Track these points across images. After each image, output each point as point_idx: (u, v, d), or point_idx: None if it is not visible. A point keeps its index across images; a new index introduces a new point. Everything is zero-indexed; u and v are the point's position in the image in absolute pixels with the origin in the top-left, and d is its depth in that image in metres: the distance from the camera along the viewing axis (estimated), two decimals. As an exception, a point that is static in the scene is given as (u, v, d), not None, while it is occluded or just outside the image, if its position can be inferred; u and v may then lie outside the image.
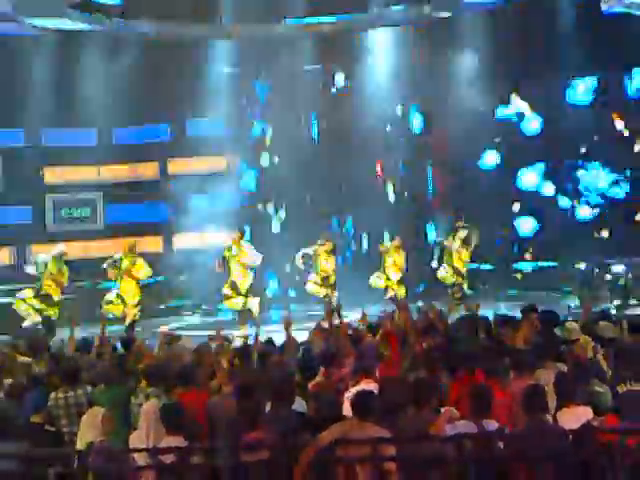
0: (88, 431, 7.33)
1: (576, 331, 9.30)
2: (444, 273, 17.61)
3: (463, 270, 17.48)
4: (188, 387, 7.71)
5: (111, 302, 16.16)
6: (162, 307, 20.40)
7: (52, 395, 8.11)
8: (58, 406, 8.03)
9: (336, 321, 10.62)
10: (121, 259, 16.27)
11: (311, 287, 17.62)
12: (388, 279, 17.49)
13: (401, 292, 17.38)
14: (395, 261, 17.41)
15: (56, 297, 16.24)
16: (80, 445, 7.22)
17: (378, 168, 22.79)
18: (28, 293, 16.24)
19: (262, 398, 7.04)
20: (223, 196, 21.35)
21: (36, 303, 16.06)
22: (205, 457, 6.38)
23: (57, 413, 8.00)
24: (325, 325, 10.91)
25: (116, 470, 6.24)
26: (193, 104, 21.43)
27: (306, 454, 5.99)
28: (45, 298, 16.13)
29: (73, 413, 7.98)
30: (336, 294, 17.27)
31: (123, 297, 16.09)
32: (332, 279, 17.42)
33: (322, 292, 17.38)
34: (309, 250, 17.53)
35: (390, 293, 17.44)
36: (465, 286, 17.48)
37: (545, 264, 20.95)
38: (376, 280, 17.66)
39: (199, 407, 7.42)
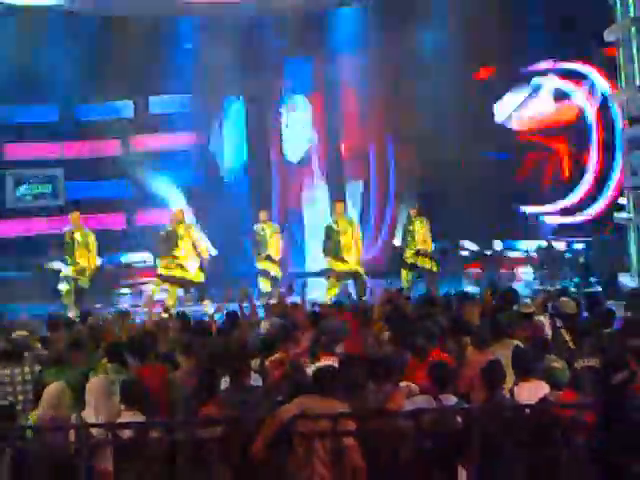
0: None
1: (531, 307, 9.45)
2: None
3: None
4: (145, 362, 7.70)
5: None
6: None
7: None
8: (3, 383, 7.94)
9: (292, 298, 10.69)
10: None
11: (262, 265, 17.06)
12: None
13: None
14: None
15: None
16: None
17: (342, 148, 22.88)
18: None
19: (220, 373, 7.03)
20: (186, 173, 21.27)
21: None
22: (163, 432, 6.37)
23: (5, 390, 7.91)
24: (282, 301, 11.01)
25: (72, 446, 6.20)
26: (156, 81, 21.26)
27: (267, 428, 5.99)
28: None
29: (19, 391, 7.90)
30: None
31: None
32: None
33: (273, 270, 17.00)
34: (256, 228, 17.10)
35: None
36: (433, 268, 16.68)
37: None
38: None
39: (157, 382, 7.40)
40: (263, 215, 17.19)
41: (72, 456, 6.12)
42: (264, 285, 16.72)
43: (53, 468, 6.06)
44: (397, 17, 20.21)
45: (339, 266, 15.89)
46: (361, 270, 15.95)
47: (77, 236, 16.13)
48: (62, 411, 6.64)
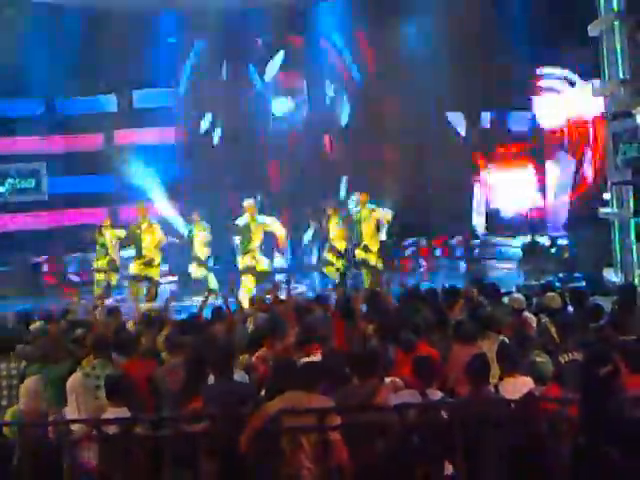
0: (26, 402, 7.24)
1: (522, 302, 9.45)
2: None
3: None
4: (131, 357, 7.66)
5: None
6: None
7: None
8: None
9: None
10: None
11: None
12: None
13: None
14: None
15: None
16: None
17: (326, 142, 22.89)
18: None
19: (206, 369, 7.01)
20: (169, 168, 21.22)
21: None
22: (149, 428, 6.35)
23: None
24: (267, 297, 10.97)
25: (56, 443, 6.17)
26: (140, 75, 21.20)
27: (252, 424, 5.97)
28: None
29: (4, 386, 7.85)
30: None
31: None
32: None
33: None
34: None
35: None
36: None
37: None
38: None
39: (144, 378, 7.36)
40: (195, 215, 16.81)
41: (53, 452, 6.09)
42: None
43: (36, 463, 6.03)
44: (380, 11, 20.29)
45: (363, 255, 15.76)
46: (373, 260, 15.78)
47: (144, 227, 15.88)
48: (40, 403, 6.62)
